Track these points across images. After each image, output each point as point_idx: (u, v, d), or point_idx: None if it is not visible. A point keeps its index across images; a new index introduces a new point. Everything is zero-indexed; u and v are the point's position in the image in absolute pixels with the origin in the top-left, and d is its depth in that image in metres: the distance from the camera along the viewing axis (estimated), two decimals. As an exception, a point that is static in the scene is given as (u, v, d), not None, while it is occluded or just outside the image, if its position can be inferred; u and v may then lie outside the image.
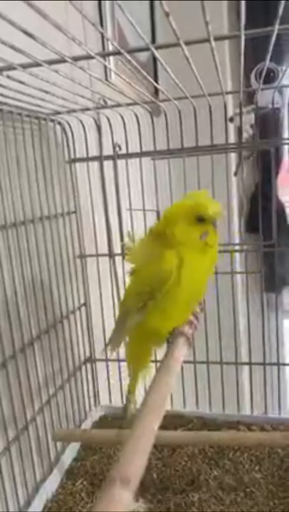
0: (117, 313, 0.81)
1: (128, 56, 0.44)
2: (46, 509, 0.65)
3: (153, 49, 0.42)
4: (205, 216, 0.53)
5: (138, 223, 0.85)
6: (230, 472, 0.71)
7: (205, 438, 0.69)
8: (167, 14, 0.33)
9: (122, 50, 0.42)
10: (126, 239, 0.60)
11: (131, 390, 0.67)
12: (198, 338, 0.78)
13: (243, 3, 0.33)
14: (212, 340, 0.86)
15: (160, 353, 0.58)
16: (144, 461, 0.30)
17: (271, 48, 0.44)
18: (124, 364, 0.87)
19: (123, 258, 0.83)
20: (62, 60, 0.42)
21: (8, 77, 0.47)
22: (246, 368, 0.89)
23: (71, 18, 0.73)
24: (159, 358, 0.70)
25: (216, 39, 0.41)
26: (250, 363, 0.87)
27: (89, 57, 0.43)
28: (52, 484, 0.69)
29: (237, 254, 0.97)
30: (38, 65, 0.44)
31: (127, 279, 0.61)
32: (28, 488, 0.65)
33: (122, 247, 0.59)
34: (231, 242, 0.89)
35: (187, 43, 0.41)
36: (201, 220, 0.53)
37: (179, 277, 0.52)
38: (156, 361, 0.73)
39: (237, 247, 0.94)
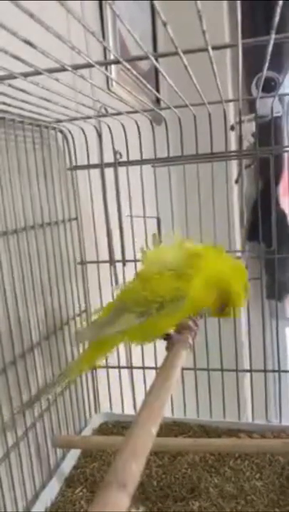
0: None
1: (127, 65, 0.45)
2: (45, 517, 0.65)
3: (152, 58, 0.42)
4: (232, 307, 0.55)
5: (138, 230, 0.85)
6: (230, 480, 0.71)
7: (205, 445, 0.69)
8: (165, 24, 0.33)
9: (121, 59, 0.42)
10: (151, 240, 0.60)
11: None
12: (198, 345, 0.78)
13: (239, 13, 0.34)
14: (213, 347, 0.86)
15: (159, 359, 0.58)
16: (141, 465, 0.30)
17: (268, 57, 0.45)
18: (125, 371, 0.87)
19: (124, 265, 0.83)
20: (63, 69, 0.43)
21: (10, 85, 0.48)
22: (247, 375, 0.89)
23: (73, 26, 0.74)
24: (158, 364, 0.70)
25: (214, 48, 0.41)
26: (250, 370, 0.87)
27: (89, 65, 0.44)
28: (51, 491, 0.69)
29: (238, 261, 0.97)
30: (38, 73, 0.44)
31: (132, 280, 0.61)
32: (27, 496, 0.65)
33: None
34: (232, 249, 0.89)
35: (186, 52, 0.42)
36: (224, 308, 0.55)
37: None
38: (156, 368, 0.73)
39: (238, 254, 0.94)
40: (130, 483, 0.27)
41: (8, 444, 0.60)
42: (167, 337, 0.58)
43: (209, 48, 0.40)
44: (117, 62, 0.44)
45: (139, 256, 0.60)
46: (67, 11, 0.31)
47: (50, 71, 0.44)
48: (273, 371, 0.87)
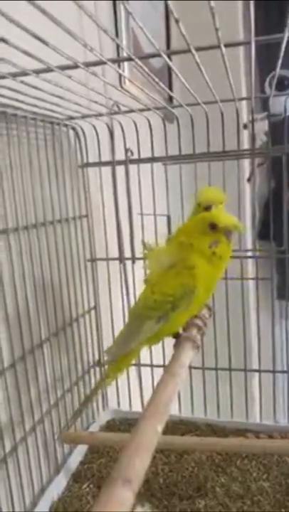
0: (126, 317, 0.82)
1: (139, 62, 0.45)
2: (52, 510, 0.66)
3: (164, 55, 0.42)
4: (218, 224, 0.52)
5: (149, 228, 0.85)
6: (237, 480, 0.71)
7: (212, 444, 0.68)
8: (177, 21, 0.33)
9: (132, 57, 0.42)
10: (142, 247, 0.60)
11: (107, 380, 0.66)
12: (207, 344, 0.77)
13: (252, 10, 0.34)
14: (221, 347, 0.85)
15: (167, 357, 0.58)
16: (146, 462, 0.30)
17: (282, 54, 0.45)
18: (132, 368, 0.87)
19: (133, 262, 0.83)
20: (75, 66, 0.43)
21: (22, 82, 0.48)
22: (256, 375, 0.89)
23: (86, 23, 0.74)
24: (166, 362, 0.70)
25: (227, 45, 0.41)
26: (259, 370, 0.87)
27: (101, 63, 0.44)
28: (58, 486, 0.69)
29: (249, 261, 0.97)
30: (51, 70, 0.44)
31: (141, 286, 0.61)
32: (34, 490, 0.65)
33: (144, 254, 0.58)
34: (243, 248, 0.89)
35: (198, 49, 0.42)
36: (213, 228, 0.53)
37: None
38: (163, 365, 0.73)
39: (249, 254, 0.94)
40: (135, 480, 0.27)
41: (16, 438, 0.60)
42: (176, 335, 0.58)
43: (222, 46, 0.40)
44: (128, 59, 0.44)
45: (140, 254, 0.60)
46: (79, 7, 0.31)
47: (62, 68, 0.45)
48: (282, 372, 0.86)
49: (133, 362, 0.65)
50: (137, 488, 0.28)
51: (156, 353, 0.78)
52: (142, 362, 0.87)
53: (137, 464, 0.29)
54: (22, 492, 0.62)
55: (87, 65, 0.44)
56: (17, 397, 0.61)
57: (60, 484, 0.70)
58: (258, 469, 0.73)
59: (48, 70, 0.44)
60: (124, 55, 1.00)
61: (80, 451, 0.78)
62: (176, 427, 0.85)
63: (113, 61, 0.45)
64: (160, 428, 0.34)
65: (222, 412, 0.88)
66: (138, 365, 0.87)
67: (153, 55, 0.44)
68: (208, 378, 0.87)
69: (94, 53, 0.40)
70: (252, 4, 0.33)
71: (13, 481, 0.60)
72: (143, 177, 0.83)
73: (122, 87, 0.94)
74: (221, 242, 0.53)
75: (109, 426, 0.87)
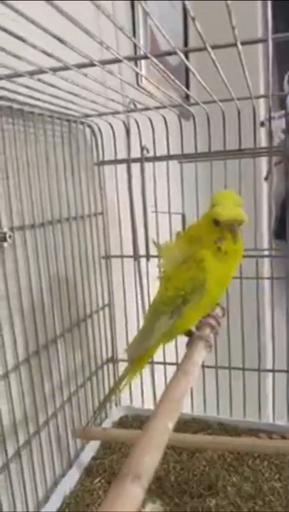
0: (140, 314, 0.82)
1: (155, 60, 0.45)
2: (64, 505, 0.66)
3: (180, 53, 0.42)
4: (220, 219, 0.52)
5: (163, 226, 0.85)
6: (249, 479, 0.70)
7: (224, 443, 0.68)
8: (193, 19, 0.33)
9: (149, 55, 0.42)
10: (151, 245, 0.60)
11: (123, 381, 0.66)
12: (221, 343, 0.77)
13: (269, 8, 0.34)
14: (235, 346, 0.85)
15: (180, 356, 0.58)
16: (156, 458, 0.30)
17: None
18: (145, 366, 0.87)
19: (148, 260, 0.83)
20: (91, 64, 0.43)
21: (39, 80, 0.49)
22: (269, 375, 0.88)
23: (104, 22, 0.74)
24: (179, 360, 0.70)
25: (243, 43, 0.41)
26: (273, 370, 0.86)
27: (117, 61, 0.44)
28: (71, 480, 0.70)
29: (265, 260, 0.96)
30: (67, 68, 0.45)
31: (155, 283, 0.62)
32: (47, 483, 0.66)
33: (158, 251, 0.59)
34: (258, 247, 0.88)
35: (214, 47, 0.41)
36: (216, 223, 0.52)
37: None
38: (176, 363, 0.73)
39: (265, 253, 0.93)
40: (144, 476, 0.28)
41: (29, 432, 0.61)
42: (189, 333, 0.58)
43: (238, 43, 0.40)
44: (145, 57, 0.44)
45: (154, 252, 0.60)
46: (97, 7, 0.31)
47: (79, 66, 0.45)
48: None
49: (148, 360, 0.65)
50: (147, 485, 0.28)
51: (169, 351, 0.78)
52: (155, 360, 0.87)
53: (147, 460, 0.29)
54: (35, 485, 0.62)
55: (104, 63, 0.44)
56: (31, 391, 0.61)
57: (72, 478, 0.71)
58: (270, 469, 0.72)
59: (65, 68, 0.45)
60: (141, 53, 1.01)
61: (92, 447, 0.78)
62: (188, 425, 0.86)
63: (129, 59, 0.45)
64: (171, 425, 0.35)
65: (234, 412, 0.88)
66: (151, 362, 0.87)
67: (169, 53, 0.44)
68: (221, 377, 0.87)
69: (110, 51, 0.40)
70: (269, 3, 0.33)
71: (27, 474, 0.61)
72: (158, 175, 0.83)
73: (138, 84, 0.94)
74: (226, 238, 0.53)
75: (122, 422, 0.88)
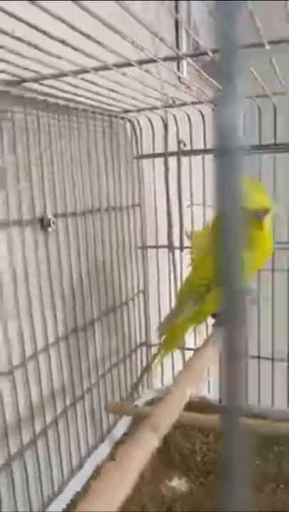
0: (172, 302, 0.86)
1: (191, 62, 0.48)
2: (96, 474, 0.71)
3: (210, 53, 0.45)
4: (248, 207, 0.53)
5: (198, 218, 0.88)
6: (273, 464, 0.73)
7: (252, 426, 0.71)
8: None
9: (182, 55, 0.46)
10: (185, 235, 0.63)
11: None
12: (251, 333, 0.80)
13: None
14: (264, 336, 0.87)
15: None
16: (173, 416, 0.34)
17: None
18: (177, 351, 0.91)
19: (181, 251, 0.87)
20: (129, 64, 0.47)
21: (82, 79, 0.53)
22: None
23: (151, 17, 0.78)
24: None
25: (270, 43, 0.43)
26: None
27: (153, 61, 0.48)
28: (102, 453, 0.75)
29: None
30: (108, 68, 0.49)
31: (186, 271, 0.66)
32: (81, 453, 0.71)
33: (190, 240, 0.63)
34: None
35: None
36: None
37: None
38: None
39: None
40: (161, 429, 0.31)
41: (66, 403, 0.66)
42: (216, 314, 0.61)
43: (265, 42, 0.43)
44: (181, 57, 0.48)
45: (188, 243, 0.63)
46: (132, 16, 0.35)
47: (118, 66, 0.49)
48: None
49: (180, 341, 0.70)
50: (161, 437, 0.32)
51: (200, 337, 0.82)
52: (186, 346, 0.90)
53: (164, 418, 0.33)
54: (70, 453, 0.68)
55: (140, 62, 0.48)
56: (69, 366, 0.67)
57: (104, 451, 0.76)
58: (295, 456, 0.74)
59: (106, 68, 0.49)
60: (184, 49, 1.04)
61: (124, 424, 0.83)
62: (215, 408, 0.88)
63: (165, 59, 0.48)
64: (188, 393, 0.38)
65: (262, 401, 0.90)
66: (182, 348, 0.90)
67: (204, 53, 0.47)
68: (250, 366, 0.89)
69: (145, 52, 0.44)
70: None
71: (63, 441, 0.66)
72: (195, 168, 0.86)
73: (179, 81, 0.97)
74: (252, 226, 0.53)
75: (152, 403, 0.92)
